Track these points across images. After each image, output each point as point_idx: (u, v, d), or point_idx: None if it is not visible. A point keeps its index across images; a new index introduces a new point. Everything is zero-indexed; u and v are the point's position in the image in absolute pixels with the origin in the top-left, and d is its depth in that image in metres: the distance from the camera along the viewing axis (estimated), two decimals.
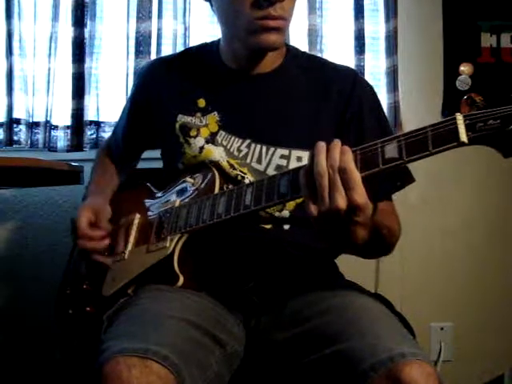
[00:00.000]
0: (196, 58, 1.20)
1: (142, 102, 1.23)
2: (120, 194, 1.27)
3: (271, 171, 1.07)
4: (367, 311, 0.92)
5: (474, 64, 1.93)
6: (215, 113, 1.12)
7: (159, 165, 1.24)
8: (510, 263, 1.98)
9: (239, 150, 1.10)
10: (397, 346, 0.80)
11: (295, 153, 1.08)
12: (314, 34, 1.85)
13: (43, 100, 1.85)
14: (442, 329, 1.98)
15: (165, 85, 1.18)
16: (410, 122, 1.86)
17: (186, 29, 1.86)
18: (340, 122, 1.10)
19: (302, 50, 1.22)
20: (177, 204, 1.09)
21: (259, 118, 1.11)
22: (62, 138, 1.85)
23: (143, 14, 1.83)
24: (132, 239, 1.12)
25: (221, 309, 1.03)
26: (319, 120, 1.10)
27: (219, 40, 1.17)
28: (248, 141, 1.10)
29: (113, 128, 1.43)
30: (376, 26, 1.91)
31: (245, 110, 1.11)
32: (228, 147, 1.10)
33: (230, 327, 1.00)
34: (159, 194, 1.19)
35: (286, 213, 1.08)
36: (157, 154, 1.25)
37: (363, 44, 1.87)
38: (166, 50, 1.83)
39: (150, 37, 1.83)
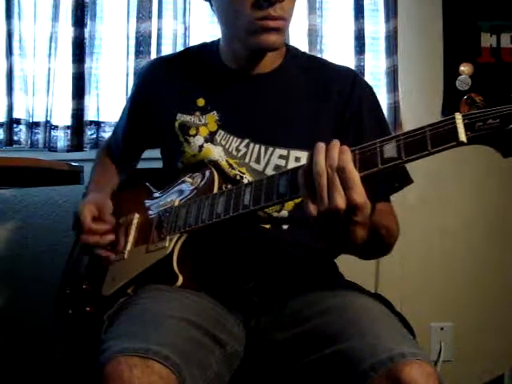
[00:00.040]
0: (196, 57, 1.20)
1: (142, 101, 1.23)
2: (119, 193, 1.27)
3: (270, 171, 1.07)
4: (367, 311, 0.92)
5: (474, 64, 1.93)
6: (214, 112, 1.12)
7: (159, 165, 1.25)
8: (509, 263, 1.98)
9: (238, 150, 1.10)
10: (397, 346, 0.80)
11: (294, 153, 1.08)
12: (313, 34, 1.85)
13: (43, 100, 1.85)
14: (442, 329, 1.98)
15: (165, 84, 1.18)
16: (410, 122, 1.86)
17: (186, 29, 1.86)
18: (339, 122, 1.10)
19: (302, 50, 1.22)
20: (176, 204, 1.09)
21: (258, 118, 1.11)
22: (62, 138, 1.85)
23: (143, 14, 1.83)
24: (131, 239, 1.12)
25: (221, 309, 1.03)
26: (319, 120, 1.10)
27: (219, 40, 1.18)
28: (247, 140, 1.10)
29: (113, 128, 1.43)
30: (376, 26, 1.90)
31: (244, 110, 1.11)
32: (227, 147, 1.10)
33: (230, 327, 1.00)
34: (158, 194, 1.19)
35: (284, 213, 1.08)
36: (157, 153, 1.25)
37: (363, 44, 1.87)
38: (166, 50, 1.83)
39: (149, 37, 1.83)
